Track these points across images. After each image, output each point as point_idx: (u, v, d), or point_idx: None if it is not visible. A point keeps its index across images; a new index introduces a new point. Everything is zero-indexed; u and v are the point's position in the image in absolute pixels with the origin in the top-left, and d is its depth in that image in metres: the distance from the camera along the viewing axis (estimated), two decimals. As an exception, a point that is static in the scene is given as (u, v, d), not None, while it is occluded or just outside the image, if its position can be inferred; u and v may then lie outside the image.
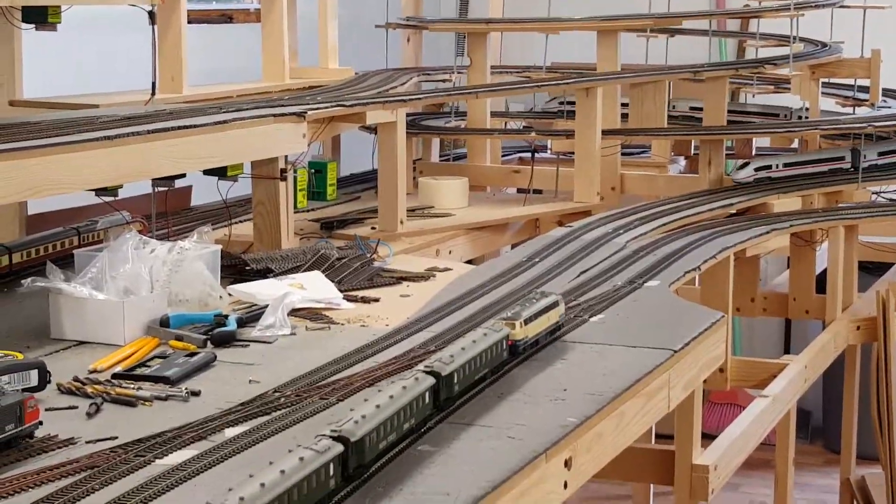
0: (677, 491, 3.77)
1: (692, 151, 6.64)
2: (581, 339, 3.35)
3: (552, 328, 3.25)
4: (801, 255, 5.62)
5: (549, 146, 6.50)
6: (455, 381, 2.71)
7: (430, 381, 2.61)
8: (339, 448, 2.22)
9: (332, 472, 2.18)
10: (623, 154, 6.02)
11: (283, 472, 2.05)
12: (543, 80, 6.21)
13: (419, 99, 5.43)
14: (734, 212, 5.35)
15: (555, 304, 3.24)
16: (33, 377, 2.86)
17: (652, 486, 6.53)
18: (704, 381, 3.70)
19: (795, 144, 6.69)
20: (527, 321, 3.09)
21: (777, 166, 5.37)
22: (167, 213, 4.57)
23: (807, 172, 5.69)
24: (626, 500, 6.90)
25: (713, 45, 8.07)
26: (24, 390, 2.69)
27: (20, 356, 3.07)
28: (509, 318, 3.05)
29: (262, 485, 1.99)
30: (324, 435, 2.23)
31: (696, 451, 3.77)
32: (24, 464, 2.47)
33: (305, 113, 4.35)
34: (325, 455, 2.17)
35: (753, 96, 7.19)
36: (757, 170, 5.39)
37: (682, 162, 6.74)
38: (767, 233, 4.99)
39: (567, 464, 2.67)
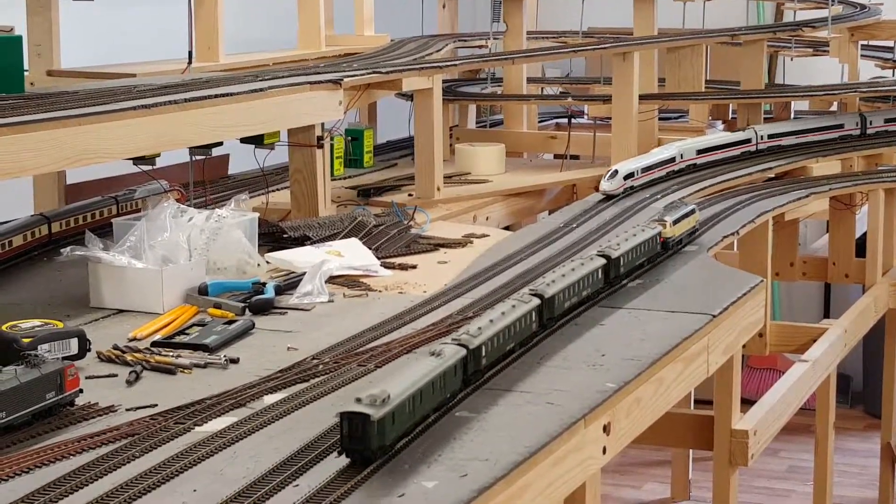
0: (717, 456, 3.76)
1: (730, 116, 6.60)
2: (619, 305, 3.34)
3: (691, 231, 3.97)
4: (840, 218, 5.58)
5: (585, 112, 6.47)
6: (556, 303, 3.02)
7: (536, 301, 2.92)
8: (462, 352, 2.56)
9: (456, 374, 2.54)
10: (660, 119, 5.98)
11: (418, 371, 2.41)
12: (580, 45, 6.17)
13: (455, 65, 5.41)
14: (773, 175, 5.32)
15: (693, 212, 3.99)
16: (73, 346, 2.88)
17: (691, 452, 6.53)
18: (744, 346, 3.68)
19: (834, 107, 6.64)
20: (675, 222, 3.78)
21: (637, 173, 4.70)
22: (204, 181, 4.57)
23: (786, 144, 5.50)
24: (665, 466, 6.90)
25: (751, 8, 8.01)
26: (64, 359, 2.71)
27: (60, 325, 3.09)
28: (661, 220, 3.74)
29: (386, 396, 2.26)
30: (447, 342, 2.58)
31: (736, 416, 3.76)
32: (65, 431, 2.49)
33: (342, 80, 4.34)
34: (450, 359, 2.51)
35: (791, 59, 7.14)
36: (626, 178, 4.66)
37: (720, 126, 6.69)
38: (806, 196, 4.96)
39: (606, 429, 2.67)
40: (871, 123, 5.75)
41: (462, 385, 2.59)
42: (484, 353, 2.63)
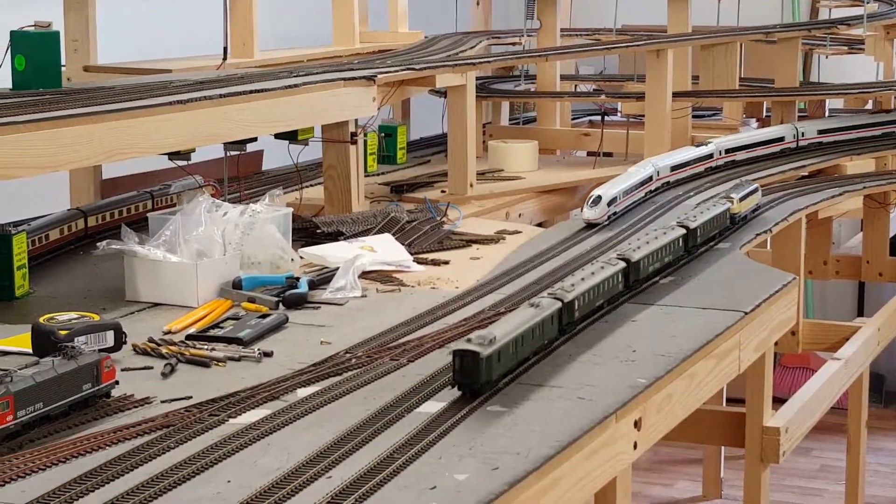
0: (748, 453, 3.76)
1: (764, 114, 6.59)
2: (650, 301, 3.35)
3: (755, 207, 4.31)
4: (874, 216, 5.57)
5: (619, 109, 6.48)
6: (641, 267, 3.34)
7: (622, 265, 3.25)
8: (558, 305, 2.87)
9: (553, 323, 2.85)
10: (694, 117, 5.98)
11: (519, 319, 2.72)
12: (614, 42, 6.18)
13: (489, 62, 5.42)
14: (806, 174, 5.31)
15: (756, 190, 4.32)
16: (109, 338, 2.91)
17: (723, 450, 6.53)
18: (776, 344, 3.69)
19: (870, 105, 6.62)
20: (741, 199, 4.14)
21: (619, 197, 4.28)
22: (239, 177, 4.60)
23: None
24: (696, 464, 6.89)
25: (785, 5, 7.99)
26: (100, 351, 2.73)
27: (96, 317, 3.11)
28: (729, 196, 4.08)
29: (493, 337, 2.57)
30: (544, 296, 2.88)
31: (768, 413, 3.76)
32: (101, 422, 2.51)
33: (375, 76, 4.36)
34: (547, 310, 2.82)
35: (827, 58, 7.12)
36: (609, 204, 4.23)
37: (754, 124, 6.68)
38: (840, 195, 4.95)
39: (637, 424, 2.67)
40: None
41: (558, 334, 2.91)
42: (577, 307, 2.97)
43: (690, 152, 4.96)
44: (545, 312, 2.82)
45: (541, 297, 2.90)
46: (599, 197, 4.19)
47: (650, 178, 4.56)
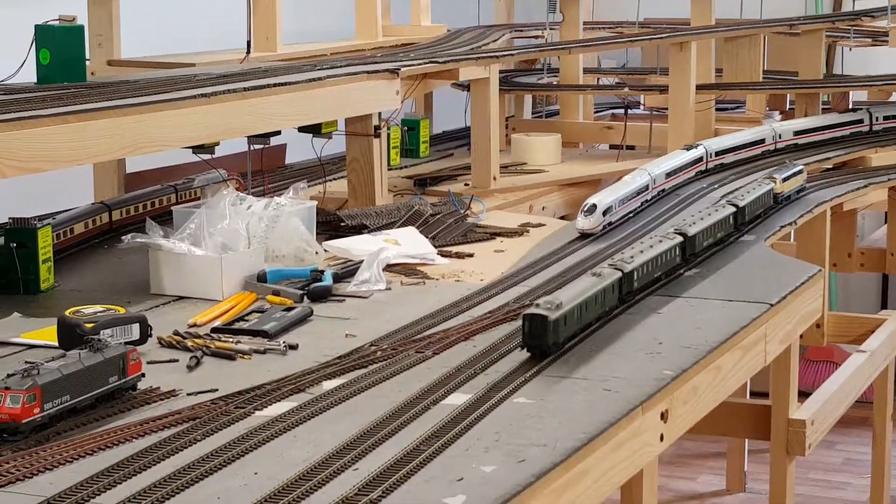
0: (774, 445, 3.75)
1: (787, 106, 6.57)
2: (676, 293, 3.34)
3: (799, 188, 4.48)
4: (899, 209, 5.55)
5: (641, 102, 6.46)
6: (696, 241, 3.55)
7: (679, 238, 3.46)
8: (618, 275, 3.09)
9: (613, 291, 3.07)
10: (717, 110, 5.97)
11: (582, 286, 2.94)
12: (637, 34, 6.16)
13: (512, 55, 5.42)
14: (831, 166, 5.29)
15: (801, 171, 4.49)
16: (135, 331, 2.91)
17: (747, 443, 6.51)
18: (801, 337, 3.67)
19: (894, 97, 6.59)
20: (784, 180, 4.33)
21: (616, 205, 4.08)
22: (262, 170, 4.60)
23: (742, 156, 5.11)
24: (720, 458, 6.87)
25: (809, -3, 7.97)
26: (125, 344, 2.73)
27: (122, 310, 3.13)
28: (771, 177, 4.27)
29: (560, 302, 2.78)
30: (605, 267, 3.10)
31: (793, 405, 3.75)
32: (127, 415, 2.52)
33: (399, 69, 4.36)
34: (609, 279, 3.03)
35: (850, 50, 7.09)
36: (605, 213, 4.03)
37: (777, 117, 6.66)
38: (865, 187, 4.93)
39: (663, 416, 2.67)
40: None
41: (618, 302, 3.12)
42: (636, 277, 3.19)
43: (681, 157, 4.71)
44: (606, 281, 3.04)
45: (602, 267, 3.13)
46: (594, 206, 3.99)
47: (646, 187, 4.35)
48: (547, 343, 2.77)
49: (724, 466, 6.73)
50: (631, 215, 4.20)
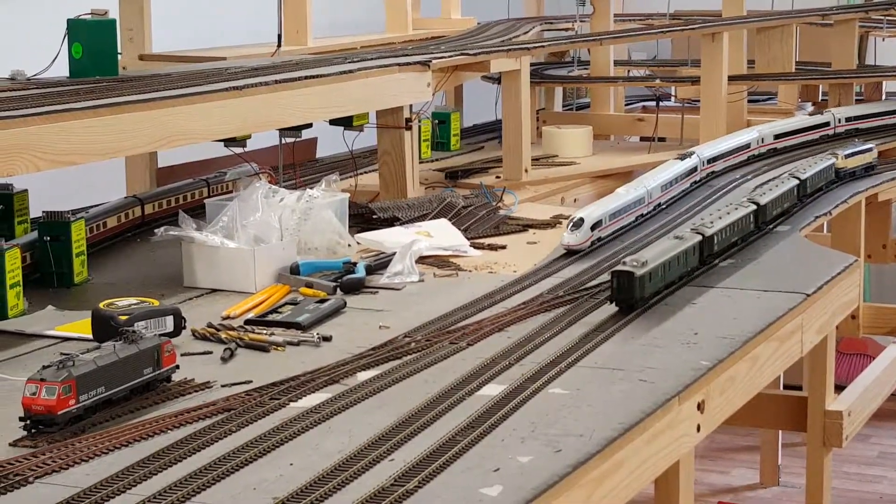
0: (810, 437, 3.72)
1: (820, 97, 6.53)
2: (711, 284, 3.32)
3: (867, 165, 4.59)
4: (934, 200, 5.50)
5: (672, 94, 6.43)
6: (768, 210, 3.79)
7: (753, 207, 3.70)
8: (699, 238, 3.33)
9: (694, 254, 3.31)
10: (749, 101, 5.93)
11: (665, 248, 3.19)
12: (668, 26, 6.13)
13: (543, 46, 5.40)
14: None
15: (870, 149, 4.58)
16: (169, 323, 2.91)
17: (780, 437, 6.47)
18: (836, 328, 3.64)
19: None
20: (847, 156, 4.47)
21: (606, 220, 3.81)
22: (294, 164, 4.60)
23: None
24: (753, 451, 6.84)
25: (841, -12, 7.91)
26: (160, 336, 2.73)
27: (156, 303, 3.12)
28: (834, 153, 4.41)
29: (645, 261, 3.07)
30: (686, 231, 3.37)
31: (830, 396, 3.72)
32: (162, 406, 2.51)
33: (430, 62, 4.35)
34: (690, 241, 3.28)
35: (883, 40, 7.04)
36: (593, 228, 3.75)
37: (810, 108, 6.62)
38: (901, 177, 4.89)
39: (700, 407, 2.65)
40: None
41: (698, 264, 3.35)
42: (715, 242, 3.42)
43: (676, 167, 4.38)
44: (688, 243, 3.28)
45: (683, 230, 3.39)
46: (581, 220, 3.72)
47: (642, 200, 4.07)
48: (633, 298, 3.03)
49: (758, 460, 6.70)
50: (625, 230, 3.93)
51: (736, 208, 3.64)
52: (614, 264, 3.52)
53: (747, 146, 4.90)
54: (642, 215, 4.06)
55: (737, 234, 3.59)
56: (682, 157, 4.44)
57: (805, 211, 4.13)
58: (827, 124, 5.19)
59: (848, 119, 5.24)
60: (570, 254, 3.67)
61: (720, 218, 3.53)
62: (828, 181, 4.38)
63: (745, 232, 3.65)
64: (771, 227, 3.85)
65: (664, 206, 4.21)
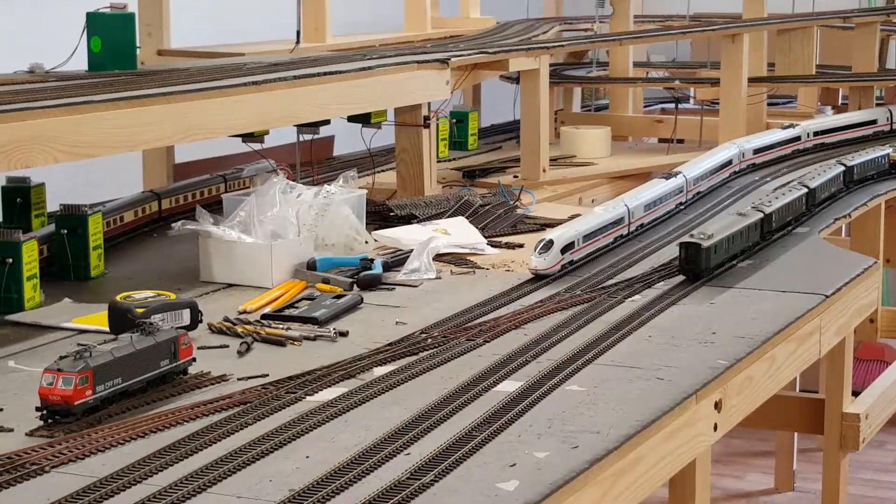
0: (827, 439, 3.71)
1: (840, 101, 6.51)
2: (729, 284, 3.31)
3: None
4: (954, 204, 5.47)
5: (691, 96, 6.41)
6: (817, 193, 4.02)
7: (805, 190, 3.92)
8: (760, 215, 3.58)
9: (755, 229, 3.55)
10: (769, 104, 5.91)
11: (729, 223, 3.45)
12: (688, 26, 6.12)
13: (562, 46, 5.39)
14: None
15: None
16: (185, 317, 2.90)
17: (796, 442, 6.45)
18: (854, 332, 3.63)
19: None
20: None
21: (579, 241, 3.52)
22: (311, 161, 4.59)
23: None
24: (768, 456, 6.82)
25: (861, -9, 7.89)
26: (176, 329, 2.73)
27: (172, 296, 3.12)
28: (893, 145, 4.65)
29: (711, 233, 3.32)
30: (748, 208, 3.62)
31: (847, 399, 3.70)
32: (178, 399, 2.51)
33: (449, 59, 4.34)
34: (752, 218, 3.55)
35: (904, 44, 7.02)
36: (564, 251, 3.47)
37: (830, 112, 6.60)
38: (921, 180, 4.86)
39: (717, 406, 2.64)
40: None
41: (759, 239, 3.58)
42: (774, 219, 3.65)
43: (661, 186, 4.10)
44: (750, 220, 3.52)
45: (745, 208, 3.63)
46: (551, 242, 3.45)
47: (622, 220, 3.79)
48: (700, 268, 3.27)
49: (773, 465, 6.68)
50: (602, 253, 3.66)
51: (790, 190, 3.86)
52: (634, 262, 3.54)
53: (729, 163, 4.66)
54: (622, 236, 3.79)
55: (791, 213, 3.81)
56: (668, 177, 4.18)
57: (824, 213, 4.11)
58: (798, 138, 5.04)
59: (816, 133, 5.14)
60: (539, 278, 3.40)
61: (777, 198, 3.74)
62: (879, 170, 4.51)
63: (798, 212, 3.87)
64: (819, 209, 4.07)
65: (647, 227, 3.95)
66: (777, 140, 5.00)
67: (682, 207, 4.20)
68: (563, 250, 3.46)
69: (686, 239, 3.30)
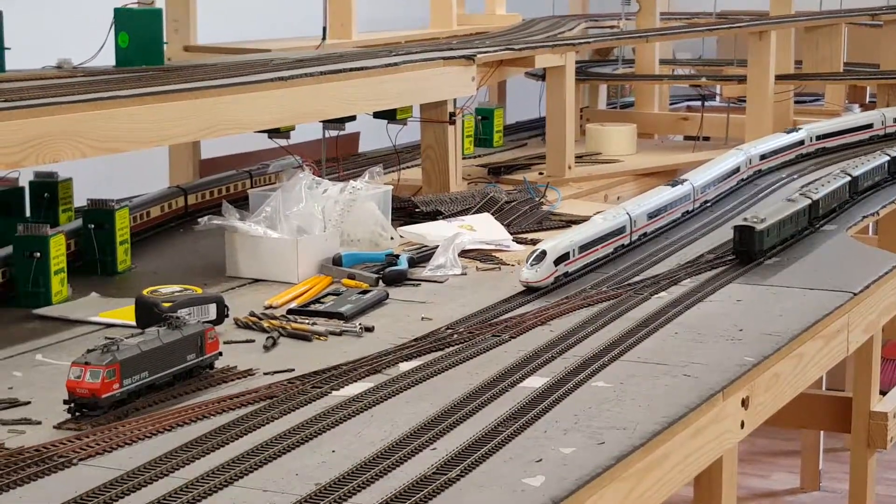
0: (854, 438, 3.68)
1: (867, 99, 6.48)
2: (756, 282, 3.30)
3: None
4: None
5: (717, 93, 6.39)
6: (860, 182, 4.17)
7: (848, 178, 4.09)
8: (808, 202, 3.75)
9: (804, 215, 3.73)
10: (795, 102, 5.89)
11: (779, 208, 3.64)
12: (715, 23, 6.10)
13: (589, 42, 5.37)
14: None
15: None
16: (212, 311, 2.91)
17: (822, 441, 6.42)
18: (882, 330, 3.61)
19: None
20: None
21: (574, 252, 3.33)
22: (336, 158, 4.59)
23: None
24: (794, 456, 6.79)
25: (889, -11, 7.85)
26: (203, 323, 2.73)
27: (199, 291, 3.12)
28: None
29: (763, 217, 3.50)
30: (796, 195, 3.79)
31: (875, 397, 3.68)
32: (204, 392, 2.51)
33: (475, 56, 4.33)
34: (800, 204, 3.71)
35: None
36: (557, 262, 3.28)
37: (857, 109, 6.56)
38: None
39: (744, 403, 2.63)
40: None
41: (807, 225, 3.75)
42: (821, 206, 3.81)
43: (666, 194, 3.92)
44: (799, 205, 3.69)
45: (794, 195, 3.78)
46: (544, 253, 3.26)
47: (623, 230, 3.62)
48: (753, 250, 3.43)
49: (799, 464, 6.65)
50: (603, 263, 3.49)
51: (835, 178, 4.03)
52: (656, 261, 3.53)
53: (737, 170, 4.46)
54: (623, 246, 3.61)
55: (836, 200, 3.95)
56: (674, 185, 4.00)
57: (853, 210, 4.09)
58: (802, 142, 4.90)
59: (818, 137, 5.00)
60: (530, 291, 3.23)
61: (823, 186, 3.90)
62: (879, 180, 4.46)
63: (842, 200, 4.03)
64: (863, 196, 4.21)
65: (652, 236, 3.77)
66: (784, 145, 4.86)
67: (689, 215, 4.02)
68: (557, 261, 3.27)
69: (740, 222, 3.46)
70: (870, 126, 5.22)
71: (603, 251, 3.50)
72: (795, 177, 4.68)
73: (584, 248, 3.40)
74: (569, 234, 3.44)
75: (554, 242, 3.31)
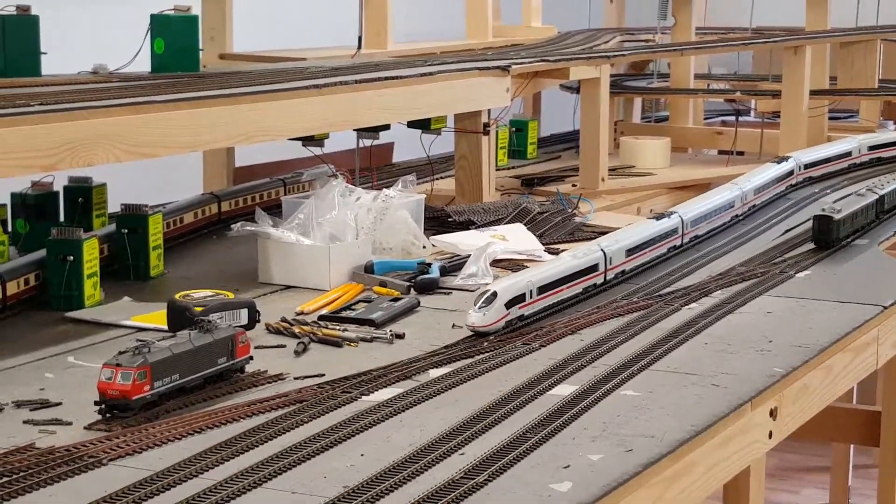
0: (883, 452, 3.68)
1: (902, 115, 6.47)
2: (786, 294, 3.29)
3: None
4: None
5: (752, 108, 6.39)
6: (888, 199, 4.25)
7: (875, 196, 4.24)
8: (875, 197, 4.03)
9: (873, 209, 4.03)
10: (830, 119, 5.88)
11: (853, 201, 3.95)
12: (751, 38, 6.09)
13: (624, 55, 5.38)
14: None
15: None
16: (243, 316, 2.92)
17: (852, 457, 6.40)
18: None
19: None
20: None
21: (531, 294, 3.02)
22: (370, 167, 4.61)
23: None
24: (823, 472, 6.76)
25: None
26: (234, 328, 2.74)
27: (231, 295, 3.14)
28: None
29: (841, 208, 3.84)
30: (864, 189, 4.10)
31: (904, 412, 3.68)
32: (235, 396, 2.53)
33: (510, 67, 4.35)
34: (868, 198, 4.01)
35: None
36: (509, 305, 2.97)
37: (892, 126, 6.55)
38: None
39: (773, 413, 2.63)
40: None
41: (874, 218, 4.05)
42: (886, 201, 4.12)
43: (650, 227, 3.66)
44: (868, 199, 3.98)
45: (862, 190, 4.09)
46: (494, 294, 2.94)
47: (595, 268, 3.33)
48: (831, 238, 3.71)
49: (828, 481, 6.62)
50: (569, 304, 3.20)
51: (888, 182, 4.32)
52: (689, 272, 3.53)
53: (731, 205, 4.14)
54: (595, 286, 3.32)
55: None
56: (659, 218, 3.72)
57: (884, 226, 4.08)
58: (791, 173, 4.66)
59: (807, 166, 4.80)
60: (480, 335, 2.93)
61: (888, 182, 4.20)
62: None
63: (868, 222, 4.17)
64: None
65: (630, 274, 3.48)
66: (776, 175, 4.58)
67: (677, 251, 3.75)
68: (510, 304, 2.96)
69: (818, 212, 3.77)
70: (848, 154, 5.09)
71: (568, 292, 3.20)
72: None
73: (544, 289, 3.09)
74: (527, 273, 3.14)
75: (508, 283, 3.01)
